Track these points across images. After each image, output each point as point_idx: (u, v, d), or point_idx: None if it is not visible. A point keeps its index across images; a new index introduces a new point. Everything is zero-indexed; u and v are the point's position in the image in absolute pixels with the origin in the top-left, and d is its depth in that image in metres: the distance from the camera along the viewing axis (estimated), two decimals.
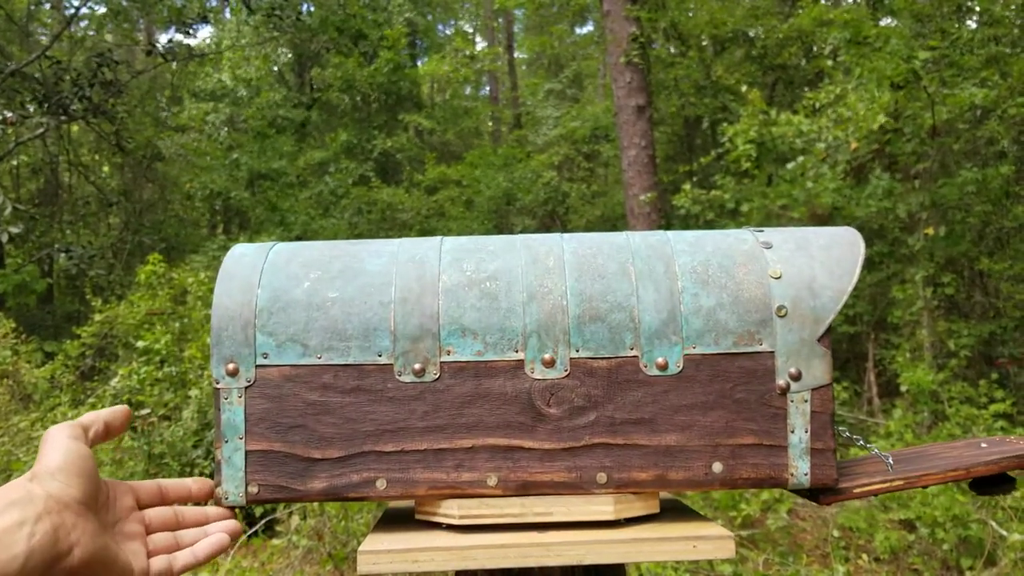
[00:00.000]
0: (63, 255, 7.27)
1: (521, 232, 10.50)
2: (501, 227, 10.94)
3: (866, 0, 7.82)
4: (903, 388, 4.98)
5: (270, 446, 0.83)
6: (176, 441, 4.72)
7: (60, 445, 0.61)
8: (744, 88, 7.15)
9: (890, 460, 0.91)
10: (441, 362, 0.83)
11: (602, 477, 0.82)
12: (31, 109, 6.91)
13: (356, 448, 0.82)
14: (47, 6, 11.73)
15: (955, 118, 5.60)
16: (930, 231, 5.45)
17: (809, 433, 0.83)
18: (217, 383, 0.83)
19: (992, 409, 4.43)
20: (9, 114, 6.88)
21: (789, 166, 5.96)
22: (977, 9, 6.25)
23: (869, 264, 6.21)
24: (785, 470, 0.83)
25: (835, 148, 5.71)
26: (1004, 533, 3.36)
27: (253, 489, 0.82)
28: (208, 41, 13.83)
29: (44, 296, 10.68)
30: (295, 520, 3.55)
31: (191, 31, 8.19)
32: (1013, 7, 5.95)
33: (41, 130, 7.18)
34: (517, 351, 0.83)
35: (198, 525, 0.77)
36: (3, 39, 9.85)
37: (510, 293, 0.85)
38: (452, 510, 0.83)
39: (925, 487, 0.88)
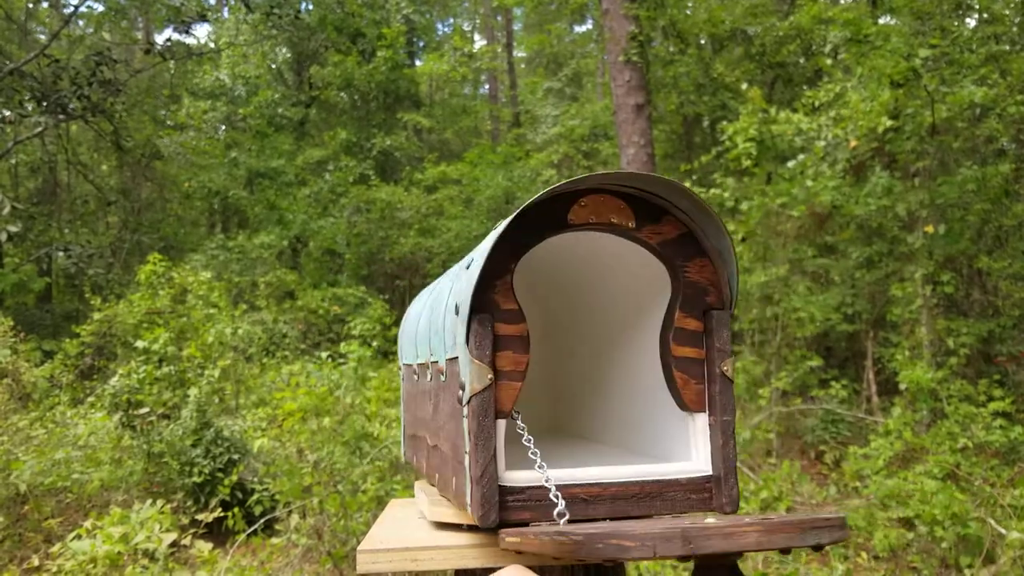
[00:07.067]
0: (62, 254, 7.27)
1: None
2: None
3: None
4: (902, 386, 4.98)
5: None
6: (175, 440, 4.71)
7: None
8: (744, 86, 7.14)
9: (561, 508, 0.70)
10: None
11: None
12: (29, 108, 6.89)
13: None
14: (45, 5, 11.72)
15: (955, 116, 5.59)
16: (929, 229, 5.45)
17: None
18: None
19: (991, 407, 4.43)
20: (7, 113, 6.87)
21: (789, 164, 5.95)
22: (977, 7, 6.24)
23: (868, 262, 6.21)
24: None
25: (834, 146, 5.70)
26: (1003, 531, 3.36)
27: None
28: (206, 40, 13.81)
29: (43, 295, 10.67)
30: (294, 519, 3.54)
31: (189, 30, 8.18)
32: (1012, 5, 5.94)
33: (39, 129, 7.17)
34: None
35: None
36: (2, 38, 9.84)
37: None
38: None
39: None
